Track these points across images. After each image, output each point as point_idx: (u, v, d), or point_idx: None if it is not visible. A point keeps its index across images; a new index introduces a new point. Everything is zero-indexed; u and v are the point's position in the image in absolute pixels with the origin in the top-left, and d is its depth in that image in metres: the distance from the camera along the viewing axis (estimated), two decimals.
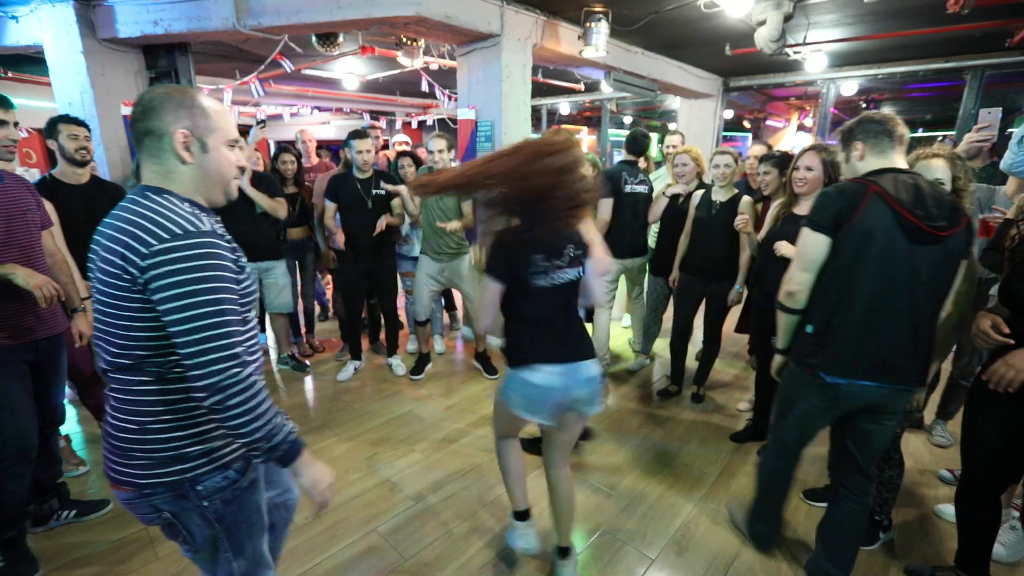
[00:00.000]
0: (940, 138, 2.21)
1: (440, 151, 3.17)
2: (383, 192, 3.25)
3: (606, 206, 3.15)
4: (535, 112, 8.70)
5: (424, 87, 5.46)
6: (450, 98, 5.74)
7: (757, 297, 2.59)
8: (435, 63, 4.95)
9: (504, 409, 1.66)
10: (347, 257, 3.34)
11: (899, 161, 1.53)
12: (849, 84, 5.77)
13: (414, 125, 9.36)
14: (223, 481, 1.07)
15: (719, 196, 2.88)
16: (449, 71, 4.98)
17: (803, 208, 2.32)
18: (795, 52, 4.57)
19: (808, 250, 1.55)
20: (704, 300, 3.02)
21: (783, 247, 2.26)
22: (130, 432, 1.01)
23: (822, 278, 1.56)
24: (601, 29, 3.71)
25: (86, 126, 2.41)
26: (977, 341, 1.52)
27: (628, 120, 11.09)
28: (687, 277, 3.06)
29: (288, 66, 4.39)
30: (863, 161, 1.56)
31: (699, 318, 3.11)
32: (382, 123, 8.70)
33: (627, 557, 1.98)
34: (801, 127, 9.48)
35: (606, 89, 5.43)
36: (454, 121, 4.21)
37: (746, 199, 2.79)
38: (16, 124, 1.79)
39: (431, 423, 2.94)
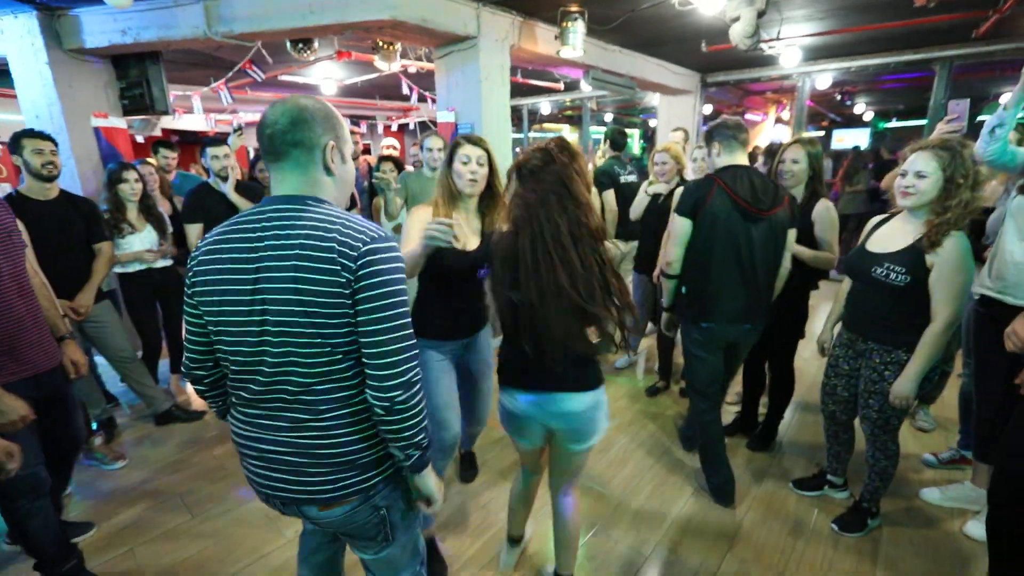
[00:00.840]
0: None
1: (439, 149, 3.16)
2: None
3: (610, 197, 3.41)
4: (515, 112, 8.70)
5: (404, 90, 5.42)
6: (431, 100, 5.71)
7: None
8: (413, 66, 4.92)
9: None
10: None
11: (742, 159, 1.99)
12: (823, 77, 5.86)
13: (394, 128, 9.30)
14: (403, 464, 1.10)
15: None
16: (428, 73, 4.95)
17: None
18: (770, 47, 4.63)
19: (677, 230, 2.03)
20: None
21: None
22: (348, 445, 1.01)
23: (689, 251, 2.03)
24: (578, 28, 3.72)
25: (52, 140, 2.34)
26: (1008, 342, 1.49)
27: (609, 118, 11.14)
28: None
29: (258, 75, 4.32)
30: (719, 158, 2.02)
31: None
32: (363, 127, 8.62)
33: (621, 556, 1.98)
34: (779, 120, 9.62)
35: (585, 88, 5.44)
36: (435, 123, 4.19)
37: None
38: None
39: None
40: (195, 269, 1.02)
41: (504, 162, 3.74)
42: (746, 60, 5.61)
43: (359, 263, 0.92)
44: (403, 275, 0.99)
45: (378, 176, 3.41)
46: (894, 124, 11.69)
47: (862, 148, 8.36)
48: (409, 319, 0.99)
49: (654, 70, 5.56)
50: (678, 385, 3.28)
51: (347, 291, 0.93)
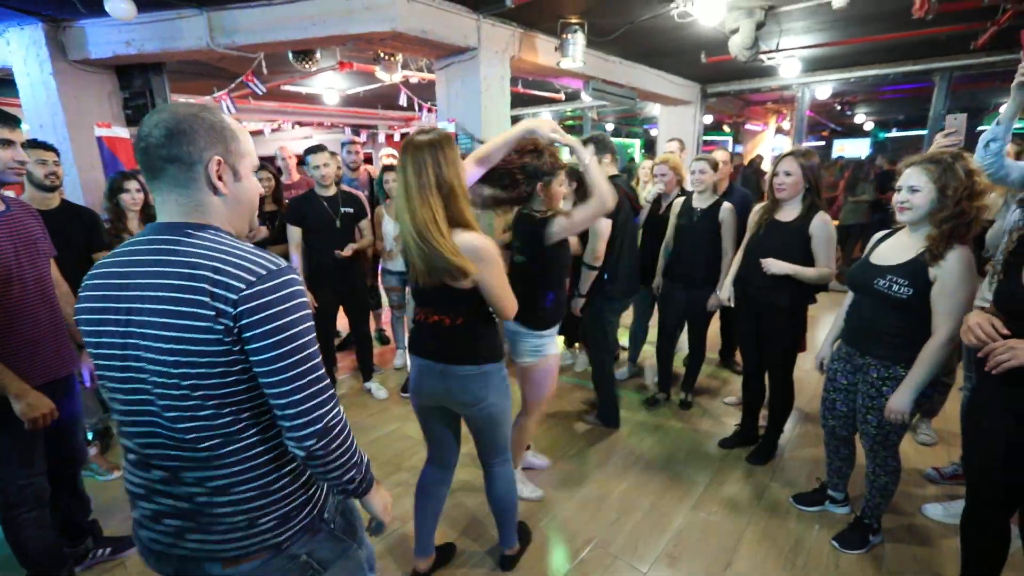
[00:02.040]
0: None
1: None
2: (351, 210, 3.15)
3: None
4: (515, 122, 8.75)
5: (403, 101, 5.45)
6: (430, 110, 5.74)
7: (740, 305, 2.60)
8: (414, 76, 4.96)
9: None
10: (316, 283, 3.09)
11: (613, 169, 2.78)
12: (823, 88, 5.88)
13: (396, 138, 9.35)
14: (338, 496, 1.06)
15: (700, 203, 2.90)
16: (429, 84, 4.98)
17: (785, 214, 2.35)
18: (769, 58, 4.65)
19: (604, 230, 2.51)
20: (686, 307, 3.03)
21: (772, 264, 2.28)
22: (253, 501, 0.90)
23: (610, 244, 2.58)
24: (577, 40, 3.75)
25: (55, 150, 2.35)
26: (968, 336, 1.40)
27: (610, 127, 11.19)
28: (669, 284, 3.08)
29: (259, 89, 4.35)
30: (611, 166, 2.75)
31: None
32: (363, 136, 8.67)
33: (619, 571, 1.96)
34: (779, 130, 9.66)
35: (586, 98, 5.47)
36: None
37: (727, 206, 2.82)
38: (24, 145, 1.67)
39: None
40: (77, 305, 0.91)
41: None
42: (746, 71, 5.63)
43: (240, 308, 0.80)
44: (306, 310, 0.86)
45: (385, 186, 3.46)
46: (894, 134, 11.72)
47: (863, 158, 8.39)
48: (318, 358, 0.88)
49: (654, 81, 5.59)
50: (679, 396, 3.26)
51: (228, 339, 0.81)
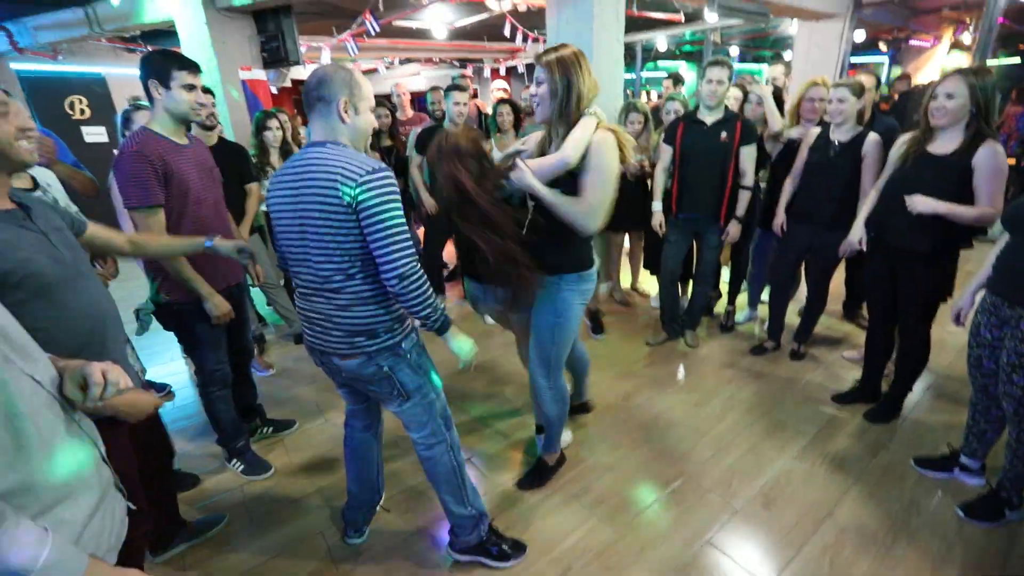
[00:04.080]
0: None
1: (464, 103, 3.28)
2: None
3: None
4: (629, 49, 8.13)
5: (507, 31, 5.30)
6: (536, 40, 5.53)
7: (873, 251, 2.32)
8: (523, 4, 4.77)
9: None
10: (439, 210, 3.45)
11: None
12: None
13: (502, 71, 9.20)
14: (414, 339, 1.52)
15: (839, 135, 2.56)
16: (538, 12, 4.78)
17: (942, 145, 2.01)
18: None
19: (666, 156, 2.87)
20: (809, 251, 2.77)
21: (919, 202, 1.99)
22: (358, 320, 1.39)
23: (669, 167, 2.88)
24: None
25: (212, 93, 2.68)
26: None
27: (735, 52, 9.99)
28: (793, 226, 2.80)
29: (373, 27, 4.47)
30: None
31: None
32: (469, 71, 8.64)
33: (709, 504, 1.99)
34: (956, 45, 7.91)
35: (709, 17, 4.90)
36: None
37: (873, 137, 2.46)
38: (206, 90, 1.92)
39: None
40: (268, 195, 1.43)
41: (615, 102, 3.58)
42: None
43: (357, 190, 1.24)
44: (395, 197, 1.28)
45: (498, 119, 3.55)
46: None
47: None
48: (403, 227, 1.29)
49: None
50: (790, 346, 3.07)
51: (350, 211, 1.26)
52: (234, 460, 2.26)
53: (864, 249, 2.38)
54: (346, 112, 1.33)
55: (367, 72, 8.54)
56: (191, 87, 1.77)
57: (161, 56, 1.75)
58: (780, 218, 2.85)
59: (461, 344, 1.50)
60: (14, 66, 5.90)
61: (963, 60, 7.64)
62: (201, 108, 1.87)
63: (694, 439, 2.37)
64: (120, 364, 0.90)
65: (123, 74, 6.40)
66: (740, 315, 3.52)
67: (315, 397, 2.84)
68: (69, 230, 1.28)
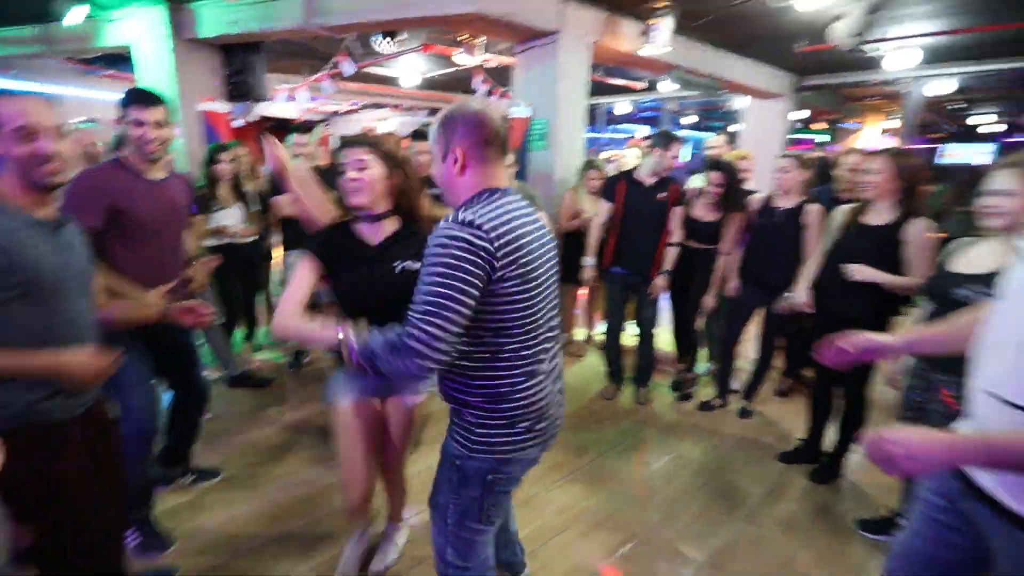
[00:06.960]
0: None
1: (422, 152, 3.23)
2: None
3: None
4: (591, 111, 8.57)
5: (475, 86, 5.48)
6: (502, 96, 5.74)
7: (817, 315, 2.43)
8: (493, 61, 4.98)
9: None
10: None
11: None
12: (940, 83, 5.29)
13: None
14: None
15: (783, 202, 2.71)
16: (506, 69, 5.00)
17: (876, 216, 2.16)
18: (873, 49, 4.24)
19: (603, 212, 2.97)
20: (755, 312, 2.86)
21: (858, 271, 2.11)
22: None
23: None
24: (666, 25, 3.60)
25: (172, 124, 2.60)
26: None
27: (691, 120, 10.73)
28: (743, 288, 2.90)
29: (349, 69, 4.53)
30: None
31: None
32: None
33: (661, 571, 1.92)
34: (885, 130, 8.76)
35: (665, 89, 5.26)
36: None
37: (815, 207, 2.61)
38: (159, 124, 1.72)
39: None
40: (505, 238, 1.08)
41: (575, 160, 3.70)
42: (845, 62, 5.17)
43: None
44: None
45: None
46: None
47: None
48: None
49: (743, 70, 5.27)
50: (738, 405, 3.10)
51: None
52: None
53: (812, 311, 2.48)
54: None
55: (337, 114, 8.60)
56: (139, 123, 1.72)
57: (127, 91, 1.79)
58: (734, 282, 2.94)
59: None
60: None
61: (892, 144, 8.47)
62: (148, 144, 1.77)
63: (644, 501, 2.31)
64: None
65: (77, 96, 6.18)
66: (700, 367, 3.53)
67: (251, 440, 2.63)
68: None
